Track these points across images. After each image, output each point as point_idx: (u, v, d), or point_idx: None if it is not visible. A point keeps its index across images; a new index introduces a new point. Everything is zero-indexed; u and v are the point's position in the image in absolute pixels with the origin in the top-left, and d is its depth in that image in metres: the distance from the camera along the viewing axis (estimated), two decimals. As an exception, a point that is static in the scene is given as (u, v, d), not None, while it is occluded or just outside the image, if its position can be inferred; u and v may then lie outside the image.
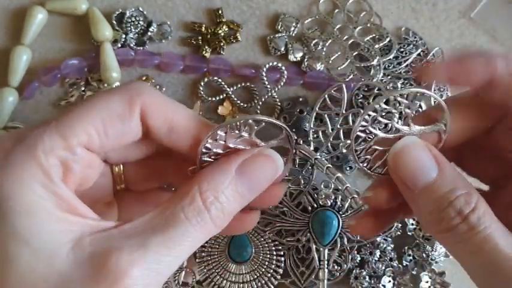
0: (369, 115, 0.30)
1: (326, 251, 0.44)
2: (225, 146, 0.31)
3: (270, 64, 0.46)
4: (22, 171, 0.27)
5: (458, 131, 0.32)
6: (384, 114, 0.30)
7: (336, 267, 0.45)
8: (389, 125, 0.31)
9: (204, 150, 0.31)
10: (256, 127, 0.31)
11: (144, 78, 0.48)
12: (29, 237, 0.26)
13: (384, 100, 0.30)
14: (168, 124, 0.31)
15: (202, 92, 0.47)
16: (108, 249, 0.27)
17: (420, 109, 0.31)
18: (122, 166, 0.36)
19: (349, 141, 0.33)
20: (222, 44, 0.47)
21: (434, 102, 0.46)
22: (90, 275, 0.26)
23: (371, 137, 0.31)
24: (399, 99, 0.30)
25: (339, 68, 0.47)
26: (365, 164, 0.33)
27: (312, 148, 0.43)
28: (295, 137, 0.34)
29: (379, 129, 0.31)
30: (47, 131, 0.28)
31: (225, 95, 0.47)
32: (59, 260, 0.26)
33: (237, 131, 0.31)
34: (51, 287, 0.26)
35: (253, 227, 0.36)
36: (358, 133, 0.31)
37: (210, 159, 0.32)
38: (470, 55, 0.30)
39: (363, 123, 0.31)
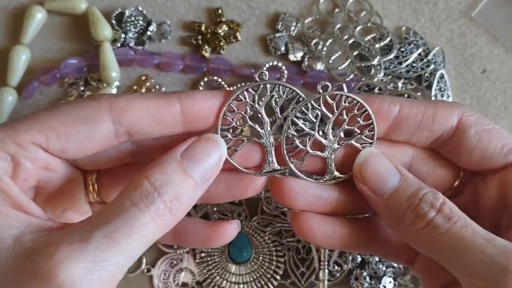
0: (300, 112, 0.33)
1: (326, 252, 0.44)
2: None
3: (270, 64, 0.46)
4: None
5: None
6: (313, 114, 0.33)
7: (336, 267, 0.45)
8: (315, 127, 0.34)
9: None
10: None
11: (143, 78, 0.47)
12: None
13: (313, 99, 0.33)
14: (150, 116, 0.31)
15: (202, 92, 0.47)
16: (46, 243, 0.25)
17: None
18: (95, 176, 0.35)
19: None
20: (222, 43, 0.47)
21: None
22: (26, 271, 0.25)
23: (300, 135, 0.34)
24: (329, 100, 0.33)
25: (339, 68, 0.46)
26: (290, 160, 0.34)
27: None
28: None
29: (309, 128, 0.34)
30: (2, 127, 0.28)
31: (224, 95, 0.47)
32: None
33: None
34: None
35: (259, 191, 0.35)
36: (289, 131, 0.33)
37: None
38: (377, 97, 0.33)
39: (294, 119, 0.33)
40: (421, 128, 0.32)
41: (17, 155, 0.28)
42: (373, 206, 0.32)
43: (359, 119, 0.33)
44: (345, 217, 0.35)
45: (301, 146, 0.34)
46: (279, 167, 0.34)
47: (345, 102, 0.33)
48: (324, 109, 0.33)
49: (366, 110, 0.33)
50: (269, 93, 0.33)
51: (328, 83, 0.33)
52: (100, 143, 0.30)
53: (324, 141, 0.34)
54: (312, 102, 0.33)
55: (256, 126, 0.34)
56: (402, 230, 0.31)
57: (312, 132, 0.33)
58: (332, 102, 0.33)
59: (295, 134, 0.34)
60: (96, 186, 0.35)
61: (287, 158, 0.34)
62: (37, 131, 0.28)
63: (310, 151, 0.34)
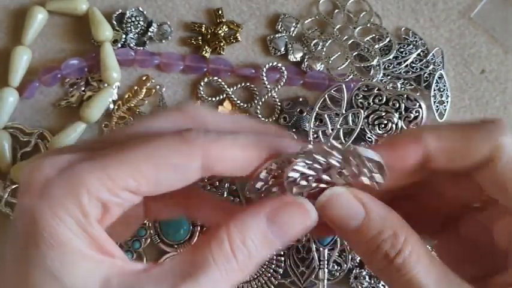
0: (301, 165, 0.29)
1: (326, 251, 0.45)
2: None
3: (270, 64, 0.46)
4: (61, 206, 0.26)
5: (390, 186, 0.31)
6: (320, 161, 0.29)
7: (335, 267, 0.45)
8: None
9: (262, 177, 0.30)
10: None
11: (144, 78, 0.48)
12: (59, 272, 0.25)
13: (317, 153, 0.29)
14: (241, 164, 0.29)
15: (202, 92, 0.47)
16: None
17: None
18: None
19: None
20: (222, 44, 0.47)
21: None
22: None
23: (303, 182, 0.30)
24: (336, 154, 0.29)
25: (339, 68, 0.47)
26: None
27: (311, 148, 0.43)
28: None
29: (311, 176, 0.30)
30: (94, 169, 0.27)
31: (225, 95, 0.47)
32: None
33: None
34: None
35: None
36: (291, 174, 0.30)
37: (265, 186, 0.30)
38: (399, 138, 0.30)
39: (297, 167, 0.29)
40: (452, 162, 0.29)
41: (109, 202, 0.27)
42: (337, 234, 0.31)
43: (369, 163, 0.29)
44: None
45: (302, 182, 0.30)
46: None
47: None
48: (330, 160, 0.29)
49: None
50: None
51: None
52: (182, 185, 0.29)
53: (328, 179, 0.30)
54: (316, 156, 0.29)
55: None
56: (364, 263, 0.31)
57: (315, 173, 0.30)
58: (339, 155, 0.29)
59: (297, 177, 0.30)
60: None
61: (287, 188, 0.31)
62: (129, 177, 0.27)
63: (312, 185, 0.30)
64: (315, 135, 0.45)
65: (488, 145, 0.29)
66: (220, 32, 0.48)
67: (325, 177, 0.30)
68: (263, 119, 0.47)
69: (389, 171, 0.29)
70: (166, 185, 0.29)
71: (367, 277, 0.45)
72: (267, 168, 0.29)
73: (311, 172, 0.30)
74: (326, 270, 0.44)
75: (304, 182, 0.30)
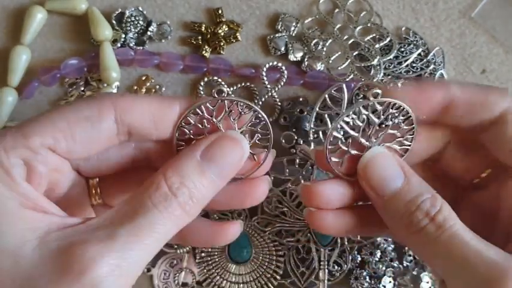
0: (348, 116, 0.33)
1: (326, 252, 0.44)
2: (200, 130, 0.32)
3: (270, 64, 0.46)
4: None
5: (416, 150, 0.35)
6: (360, 119, 0.33)
7: (336, 267, 0.45)
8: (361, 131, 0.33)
9: (178, 135, 0.32)
10: (239, 112, 0.32)
11: (143, 78, 0.47)
12: None
13: (362, 105, 0.33)
14: (151, 116, 0.31)
15: (202, 92, 0.47)
16: (73, 242, 0.26)
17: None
18: (97, 179, 0.35)
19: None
20: (222, 43, 0.47)
21: None
22: (56, 270, 0.26)
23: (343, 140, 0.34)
24: (377, 106, 0.33)
25: (339, 68, 0.46)
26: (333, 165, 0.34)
27: (312, 148, 0.43)
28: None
29: (355, 132, 0.33)
30: (9, 131, 0.28)
31: (225, 95, 0.47)
32: (24, 258, 0.26)
33: (209, 115, 0.32)
34: (18, 285, 0.26)
35: (263, 197, 0.35)
36: (335, 133, 0.33)
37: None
38: (429, 84, 0.33)
39: (342, 123, 0.33)
40: (470, 113, 0.32)
41: (30, 159, 0.28)
42: (373, 204, 0.33)
43: (403, 124, 0.33)
44: (354, 206, 0.35)
45: (343, 147, 0.34)
46: (236, 177, 0.34)
47: (392, 108, 0.33)
48: (371, 115, 0.33)
49: (410, 116, 0.33)
50: (227, 109, 0.33)
51: (369, 83, 0.33)
52: (103, 142, 0.31)
53: (366, 143, 0.34)
54: (361, 107, 0.33)
55: None
56: (397, 231, 0.32)
57: (357, 134, 0.33)
58: (380, 108, 0.33)
59: (340, 137, 0.34)
60: (98, 190, 0.35)
61: (328, 158, 0.34)
62: (45, 133, 0.29)
63: (352, 151, 0.34)
64: (315, 135, 0.45)
65: (502, 103, 0.31)
66: (220, 31, 0.47)
67: (363, 140, 0.33)
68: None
69: (419, 114, 0.32)
70: (86, 142, 0.30)
71: (367, 278, 0.45)
72: (185, 120, 0.32)
73: (353, 133, 0.33)
74: (326, 270, 0.44)
75: (344, 147, 0.33)
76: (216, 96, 0.32)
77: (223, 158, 0.31)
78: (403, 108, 0.33)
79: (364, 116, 0.33)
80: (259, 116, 0.33)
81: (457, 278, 0.29)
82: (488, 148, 0.33)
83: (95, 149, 0.31)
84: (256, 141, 0.34)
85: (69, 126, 0.29)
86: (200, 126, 0.33)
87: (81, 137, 0.30)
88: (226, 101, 0.32)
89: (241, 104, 0.33)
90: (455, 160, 0.34)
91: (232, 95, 0.33)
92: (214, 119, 0.33)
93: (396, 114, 0.33)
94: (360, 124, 0.33)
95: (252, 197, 0.34)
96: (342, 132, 0.33)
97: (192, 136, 0.33)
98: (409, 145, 0.34)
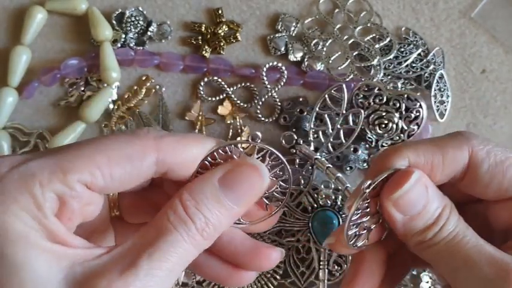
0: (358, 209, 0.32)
1: (326, 251, 0.44)
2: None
3: (270, 64, 0.46)
4: (14, 201, 0.26)
5: None
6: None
7: (336, 267, 0.45)
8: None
9: (200, 170, 0.31)
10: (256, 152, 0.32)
11: (143, 78, 0.47)
12: (18, 266, 0.25)
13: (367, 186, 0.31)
14: (192, 159, 0.31)
15: (202, 92, 0.47)
16: (98, 272, 0.26)
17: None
18: (116, 194, 0.35)
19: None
20: (222, 44, 0.47)
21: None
22: None
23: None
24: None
25: (339, 68, 0.46)
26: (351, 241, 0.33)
27: (312, 148, 0.43)
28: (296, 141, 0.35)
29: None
30: (47, 163, 0.27)
31: (225, 95, 0.47)
32: None
33: (234, 155, 0.31)
34: None
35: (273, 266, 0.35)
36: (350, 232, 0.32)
37: None
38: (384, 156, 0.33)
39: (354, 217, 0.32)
40: (433, 175, 0.32)
41: (64, 195, 0.27)
42: (390, 221, 0.32)
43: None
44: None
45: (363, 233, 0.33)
46: (243, 221, 0.34)
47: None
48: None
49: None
50: (256, 155, 0.32)
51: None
52: (139, 180, 0.30)
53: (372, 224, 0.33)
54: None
55: None
56: (411, 240, 0.32)
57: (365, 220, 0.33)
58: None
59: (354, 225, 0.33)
60: (117, 203, 0.35)
61: (352, 247, 0.33)
62: (84, 169, 0.28)
63: (371, 227, 0.33)
64: (315, 135, 0.45)
65: (462, 154, 0.31)
66: (220, 31, 0.47)
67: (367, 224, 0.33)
68: (263, 119, 0.47)
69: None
70: (123, 180, 0.29)
71: (367, 277, 0.45)
72: (210, 155, 0.31)
73: (365, 220, 0.32)
74: (326, 270, 0.44)
75: (362, 232, 0.33)
76: (251, 140, 0.31)
77: (242, 184, 0.30)
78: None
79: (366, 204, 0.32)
80: (285, 169, 0.33)
81: (468, 281, 0.30)
82: (470, 193, 0.33)
83: (130, 186, 0.30)
84: (274, 193, 0.34)
85: (109, 164, 0.28)
86: (223, 162, 0.32)
87: (120, 175, 0.29)
88: (257, 147, 0.32)
89: (272, 153, 0.32)
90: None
91: (267, 146, 0.32)
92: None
93: None
94: (367, 210, 0.32)
95: (263, 261, 0.34)
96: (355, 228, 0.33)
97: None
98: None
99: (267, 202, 0.34)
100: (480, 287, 0.29)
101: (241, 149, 0.32)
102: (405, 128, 0.44)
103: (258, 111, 0.47)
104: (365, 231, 0.33)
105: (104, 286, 0.26)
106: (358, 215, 0.32)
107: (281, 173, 0.33)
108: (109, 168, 0.28)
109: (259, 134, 0.31)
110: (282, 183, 0.34)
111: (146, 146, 0.29)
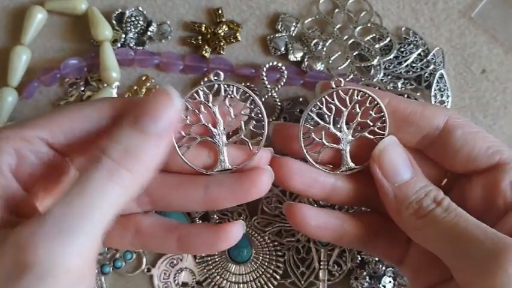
0: (315, 107, 0.35)
1: (326, 252, 0.44)
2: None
3: (270, 64, 0.46)
4: None
5: None
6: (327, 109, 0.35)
7: (336, 267, 0.45)
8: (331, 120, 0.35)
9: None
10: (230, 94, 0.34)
11: (143, 78, 0.47)
12: None
13: (327, 94, 0.35)
14: None
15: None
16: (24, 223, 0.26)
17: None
18: None
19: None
20: (222, 43, 0.47)
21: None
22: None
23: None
24: (342, 94, 0.35)
25: (339, 68, 0.46)
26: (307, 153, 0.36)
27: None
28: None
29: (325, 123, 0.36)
30: (11, 126, 0.30)
31: (225, 95, 0.47)
32: None
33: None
34: None
35: (266, 188, 0.34)
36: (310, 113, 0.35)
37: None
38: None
39: (310, 113, 0.35)
40: (408, 122, 0.34)
41: (22, 148, 0.29)
42: (380, 192, 0.34)
43: (371, 112, 0.35)
44: (338, 210, 0.37)
45: (317, 139, 0.35)
46: (230, 167, 0.34)
47: (357, 96, 0.35)
48: (337, 103, 0.35)
49: (377, 103, 0.34)
50: (223, 93, 0.34)
51: (341, 79, 0.35)
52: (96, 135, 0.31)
53: (338, 134, 0.35)
54: (326, 97, 0.35)
55: (209, 125, 0.34)
56: (404, 218, 0.33)
57: (327, 125, 0.35)
58: (345, 96, 0.35)
59: (311, 128, 0.35)
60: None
61: (305, 151, 0.35)
62: (42, 126, 0.29)
63: (326, 143, 0.35)
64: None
65: (440, 117, 0.34)
66: (220, 31, 0.47)
67: (333, 130, 0.35)
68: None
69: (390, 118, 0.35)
70: (80, 137, 0.30)
71: (367, 277, 0.45)
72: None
73: (322, 123, 0.35)
74: (326, 270, 0.44)
75: (317, 139, 0.35)
76: (213, 79, 0.33)
77: (153, 110, 0.29)
78: (369, 96, 0.34)
79: (332, 106, 0.35)
80: (255, 101, 0.35)
81: (462, 258, 0.30)
82: (438, 161, 0.36)
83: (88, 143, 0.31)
84: (251, 128, 0.35)
85: (67, 122, 0.30)
86: (197, 112, 0.34)
87: (78, 132, 0.30)
88: (222, 86, 0.34)
89: (237, 88, 0.34)
90: None
91: (231, 82, 0.34)
92: (209, 104, 0.34)
93: (362, 102, 0.35)
94: (328, 113, 0.35)
95: (253, 188, 0.33)
96: (312, 123, 0.35)
97: (189, 122, 0.34)
98: (383, 134, 0.35)
99: (247, 140, 0.35)
100: (480, 262, 0.29)
101: (207, 91, 0.34)
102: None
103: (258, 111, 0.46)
104: (320, 141, 0.35)
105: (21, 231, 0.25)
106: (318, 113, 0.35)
107: (252, 106, 0.35)
108: (67, 125, 0.30)
109: (221, 72, 0.34)
110: (255, 117, 0.35)
111: (103, 103, 0.31)
